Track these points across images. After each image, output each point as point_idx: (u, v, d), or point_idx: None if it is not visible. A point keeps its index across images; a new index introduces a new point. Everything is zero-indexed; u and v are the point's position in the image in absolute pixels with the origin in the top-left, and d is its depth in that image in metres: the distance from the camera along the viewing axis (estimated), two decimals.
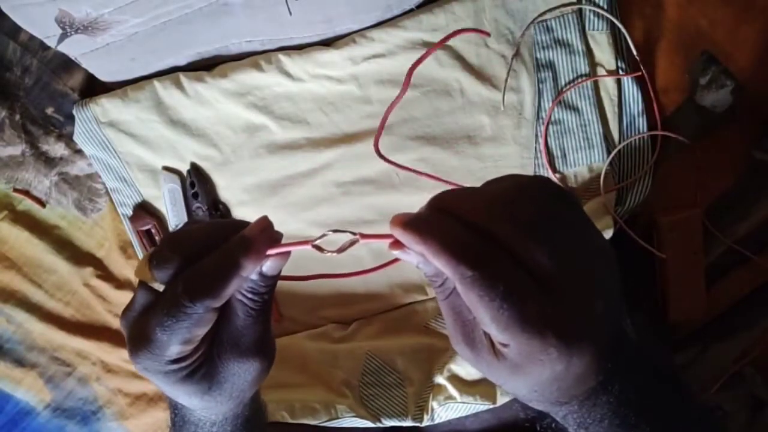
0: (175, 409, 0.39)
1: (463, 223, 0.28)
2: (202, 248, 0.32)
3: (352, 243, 0.33)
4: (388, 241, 0.31)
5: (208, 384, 0.34)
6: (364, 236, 0.32)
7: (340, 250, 0.33)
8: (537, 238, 0.26)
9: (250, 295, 0.33)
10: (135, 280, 0.81)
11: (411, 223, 0.28)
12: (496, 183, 0.30)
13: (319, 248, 0.33)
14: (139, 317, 0.32)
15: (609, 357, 0.28)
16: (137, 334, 0.31)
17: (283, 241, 0.34)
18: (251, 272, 0.32)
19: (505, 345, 0.27)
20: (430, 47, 0.71)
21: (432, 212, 0.30)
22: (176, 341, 0.31)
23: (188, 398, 0.34)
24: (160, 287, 0.32)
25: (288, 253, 0.33)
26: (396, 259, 0.32)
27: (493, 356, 0.28)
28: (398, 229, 0.29)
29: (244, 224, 0.33)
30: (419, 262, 0.30)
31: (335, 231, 0.33)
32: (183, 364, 0.32)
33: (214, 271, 0.31)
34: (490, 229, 0.27)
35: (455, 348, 0.32)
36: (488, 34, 0.69)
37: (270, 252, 0.32)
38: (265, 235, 0.32)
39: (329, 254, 0.33)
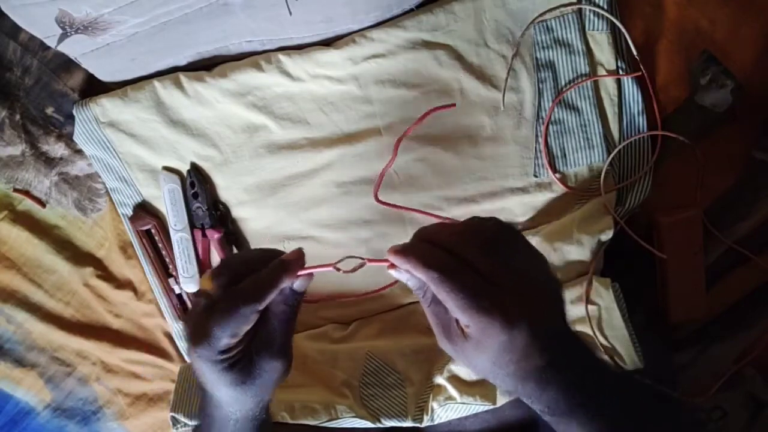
0: (205, 410, 0.48)
1: (437, 245, 0.39)
2: (250, 268, 0.43)
3: (361, 266, 0.44)
4: (386, 264, 0.42)
5: (244, 377, 0.43)
6: (370, 261, 0.44)
7: (353, 270, 0.45)
8: (490, 253, 0.39)
9: (282, 306, 0.44)
10: (135, 280, 0.82)
11: (400, 249, 0.40)
12: (466, 221, 0.42)
13: (337, 269, 0.44)
14: (198, 317, 0.42)
15: (549, 340, 0.38)
16: (198, 330, 0.41)
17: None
18: (286, 285, 0.43)
19: (467, 326, 0.38)
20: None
21: (415, 241, 0.42)
22: (227, 335, 0.41)
23: (226, 388, 0.44)
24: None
25: (312, 274, 0.44)
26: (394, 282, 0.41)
27: (463, 339, 0.39)
28: (391, 255, 0.40)
29: (281, 253, 0.45)
30: (407, 279, 0.41)
31: (350, 257, 0.45)
32: (229, 355, 0.42)
33: (261, 283, 0.42)
34: (454, 249, 0.39)
35: (440, 345, 0.41)
36: (454, 105, 0.72)
37: (300, 272, 0.44)
38: (298, 261, 0.44)
39: (344, 273, 0.45)
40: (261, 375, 0.44)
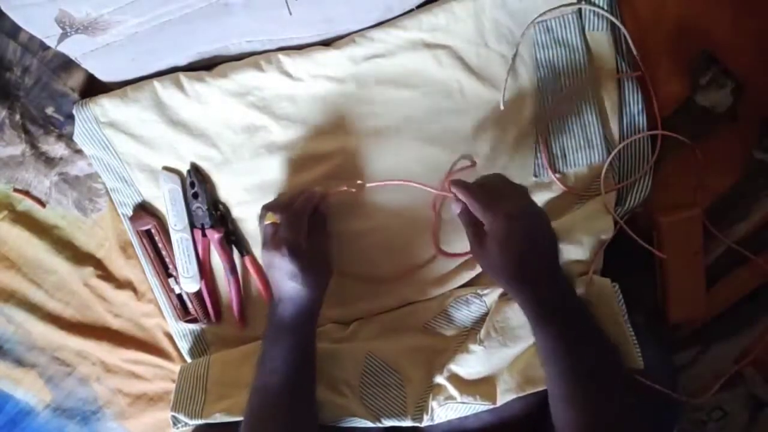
0: (270, 320, 0.66)
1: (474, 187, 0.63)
2: (292, 200, 0.69)
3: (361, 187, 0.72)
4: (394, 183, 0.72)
5: (306, 262, 0.63)
6: (386, 183, 0.72)
7: (360, 188, 0.73)
8: (493, 186, 0.62)
9: (317, 227, 0.68)
10: (135, 280, 0.81)
11: (455, 182, 0.63)
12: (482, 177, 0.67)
13: (352, 189, 0.72)
14: (280, 230, 0.65)
15: (544, 261, 0.58)
16: (279, 238, 0.64)
17: None
18: (317, 203, 0.69)
19: (485, 224, 0.58)
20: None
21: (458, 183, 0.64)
22: (300, 232, 0.65)
23: (294, 276, 0.62)
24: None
25: (328, 196, 0.72)
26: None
27: (487, 239, 0.57)
28: (450, 185, 0.64)
29: (306, 190, 0.71)
30: (455, 204, 0.64)
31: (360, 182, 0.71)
32: (299, 249, 0.63)
33: (304, 200, 0.68)
34: (473, 185, 0.63)
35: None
36: (474, 165, 0.75)
37: (323, 192, 0.71)
38: (319, 191, 0.71)
39: (356, 190, 0.72)
40: (315, 265, 0.64)
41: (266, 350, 0.65)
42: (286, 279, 0.63)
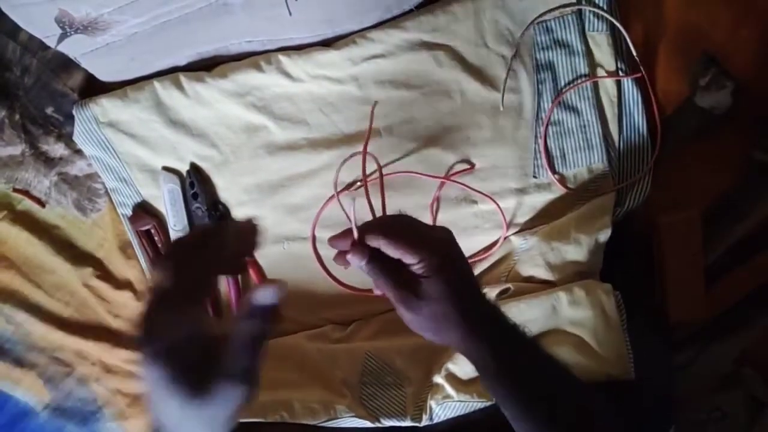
0: None
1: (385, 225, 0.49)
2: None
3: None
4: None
5: (196, 392, 0.36)
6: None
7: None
8: (413, 226, 0.49)
9: (250, 324, 0.39)
10: (134, 281, 0.81)
11: (364, 229, 0.48)
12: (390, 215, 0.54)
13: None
14: (145, 312, 0.39)
15: (467, 301, 0.46)
16: (145, 323, 0.38)
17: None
18: (254, 302, 0.40)
19: (414, 263, 0.45)
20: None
21: (367, 225, 0.50)
22: (161, 306, 0.38)
23: (176, 405, 0.36)
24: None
25: (285, 286, 0.41)
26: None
27: (424, 285, 0.46)
28: (361, 235, 0.48)
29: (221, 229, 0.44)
30: (360, 263, 0.48)
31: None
32: (181, 355, 0.37)
33: (191, 243, 0.42)
34: (393, 225, 0.49)
35: (399, 313, 0.47)
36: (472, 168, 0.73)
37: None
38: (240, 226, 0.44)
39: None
40: (216, 398, 0.36)
41: None
42: (156, 399, 0.37)
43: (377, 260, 0.47)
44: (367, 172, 0.75)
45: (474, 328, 0.46)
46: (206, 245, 0.41)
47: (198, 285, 0.39)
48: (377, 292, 0.49)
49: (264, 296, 0.39)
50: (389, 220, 0.51)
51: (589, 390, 0.50)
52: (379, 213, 0.54)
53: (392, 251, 0.46)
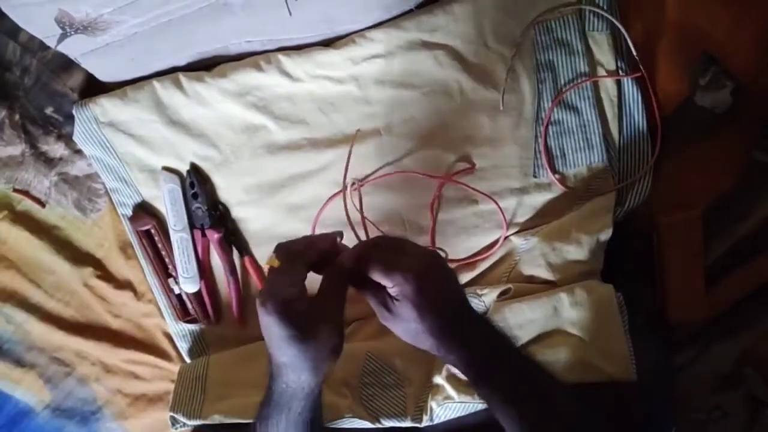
0: (269, 387, 0.53)
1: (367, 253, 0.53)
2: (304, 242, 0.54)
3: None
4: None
5: (303, 334, 0.48)
6: None
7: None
8: (391, 246, 0.53)
9: (332, 285, 0.52)
10: (134, 281, 0.82)
11: (343, 257, 0.53)
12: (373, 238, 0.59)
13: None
14: (265, 284, 0.50)
15: (452, 314, 0.51)
16: (266, 289, 0.49)
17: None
18: (328, 248, 0.53)
19: (391, 287, 0.50)
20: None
21: (350, 252, 0.54)
22: (283, 286, 0.49)
23: (287, 346, 0.48)
24: None
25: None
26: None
27: (399, 303, 0.50)
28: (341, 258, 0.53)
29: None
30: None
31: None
32: (291, 308, 0.48)
33: (305, 247, 0.52)
34: (374, 250, 0.53)
35: (382, 321, 0.53)
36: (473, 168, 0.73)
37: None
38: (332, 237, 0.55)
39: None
40: (317, 337, 0.49)
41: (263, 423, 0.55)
42: (274, 343, 0.49)
43: (360, 276, 0.52)
44: (359, 179, 0.75)
45: (443, 343, 0.51)
46: (306, 240, 0.53)
47: (302, 260, 0.51)
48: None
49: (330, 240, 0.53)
50: (370, 244, 0.57)
51: (574, 396, 0.53)
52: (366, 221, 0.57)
53: (371, 273, 0.51)
